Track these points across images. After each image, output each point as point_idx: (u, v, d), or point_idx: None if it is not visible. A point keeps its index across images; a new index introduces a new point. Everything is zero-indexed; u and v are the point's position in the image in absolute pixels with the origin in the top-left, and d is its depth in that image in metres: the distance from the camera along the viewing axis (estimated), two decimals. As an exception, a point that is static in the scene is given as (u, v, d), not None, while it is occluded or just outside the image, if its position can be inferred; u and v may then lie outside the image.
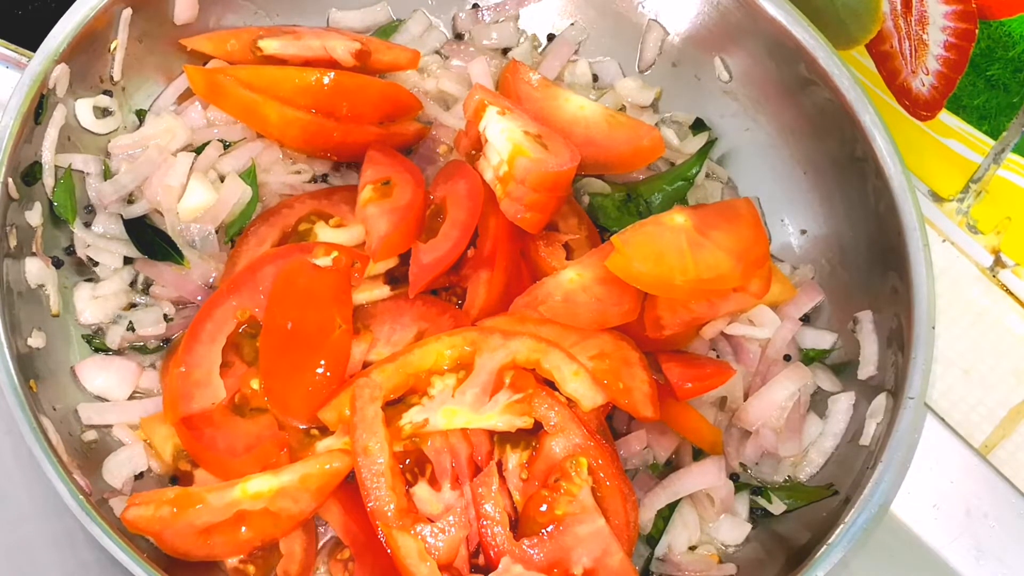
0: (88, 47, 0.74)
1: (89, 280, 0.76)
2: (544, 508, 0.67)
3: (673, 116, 0.85)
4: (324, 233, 0.75)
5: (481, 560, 0.68)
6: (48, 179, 0.74)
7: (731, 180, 0.84)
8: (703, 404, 0.75)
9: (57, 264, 0.74)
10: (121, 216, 0.76)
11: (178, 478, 0.71)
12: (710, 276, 0.71)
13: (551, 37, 0.86)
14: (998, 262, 0.82)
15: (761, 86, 0.81)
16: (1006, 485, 0.82)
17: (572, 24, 0.85)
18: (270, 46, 0.78)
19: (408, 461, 0.68)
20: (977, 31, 0.72)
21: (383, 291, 0.74)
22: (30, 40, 0.76)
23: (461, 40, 0.85)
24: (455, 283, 0.74)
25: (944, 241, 0.83)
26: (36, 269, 0.73)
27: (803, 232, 0.82)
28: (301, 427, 0.70)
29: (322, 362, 0.69)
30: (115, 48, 0.76)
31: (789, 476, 0.75)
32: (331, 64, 0.78)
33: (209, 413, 0.70)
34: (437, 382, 0.69)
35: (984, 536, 0.81)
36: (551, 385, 0.70)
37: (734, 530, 0.74)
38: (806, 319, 0.79)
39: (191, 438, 0.69)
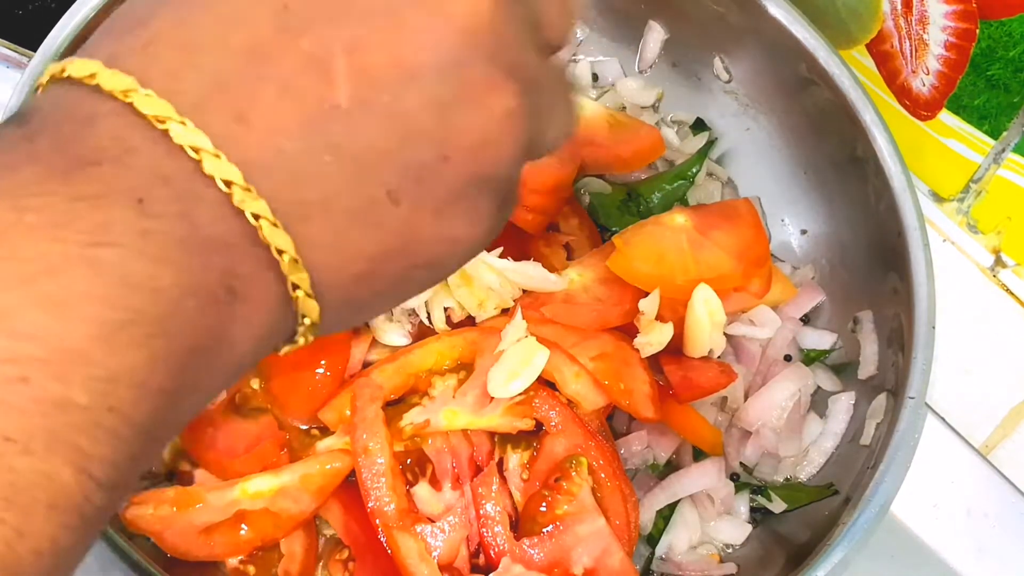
0: (88, 47, 0.74)
1: (89, 280, 0.76)
2: (544, 507, 0.67)
3: (673, 116, 0.85)
4: (324, 233, 0.75)
5: (481, 560, 0.68)
6: (48, 179, 0.74)
7: (731, 180, 0.84)
8: (703, 404, 0.75)
9: (57, 264, 0.74)
10: (121, 216, 0.76)
11: (178, 477, 0.71)
12: (711, 276, 0.71)
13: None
14: (998, 262, 0.82)
15: (761, 86, 0.81)
16: (1006, 485, 0.82)
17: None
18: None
19: (409, 461, 0.68)
20: (977, 31, 0.72)
21: (383, 291, 0.74)
22: (30, 40, 0.76)
23: (461, 40, 0.85)
24: (455, 283, 0.74)
25: (944, 241, 0.83)
26: (36, 269, 0.72)
27: (803, 232, 0.82)
28: (301, 427, 0.70)
29: (322, 362, 0.69)
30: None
31: (789, 476, 0.75)
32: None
33: (209, 413, 0.70)
34: (438, 383, 0.69)
35: (984, 536, 0.81)
36: (551, 386, 0.70)
37: (735, 530, 0.74)
38: (806, 319, 0.79)
39: (191, 438, 0.69)
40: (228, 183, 0.33)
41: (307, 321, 0.36)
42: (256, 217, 0.33)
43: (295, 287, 0.34)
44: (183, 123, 0.33)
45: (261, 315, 0.34)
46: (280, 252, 0.34)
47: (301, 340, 0.36)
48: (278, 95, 0.33)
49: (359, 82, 0.33)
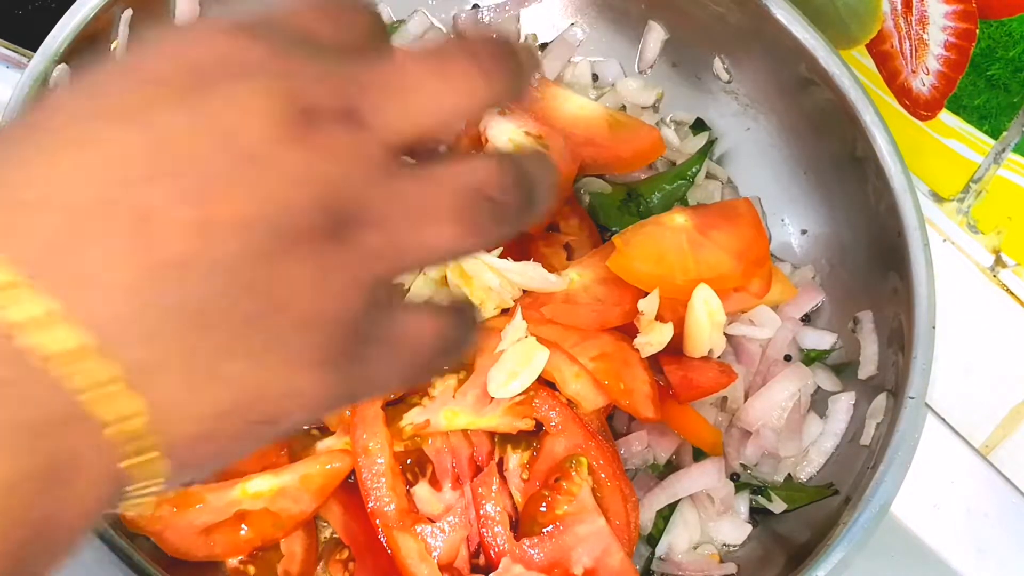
0: (88, 47, 0.74)
1: (89, 280, 0.76)
2: (544, 508, 0.67)
3: (673, 116, 0.84)
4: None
5: (482, 560, 0.68)
6: (48, 179, 0.74)
7: (731, 180, 0.84)
8: (703, 404, 0.75)
9: (57, 264, 0.74)
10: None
11: (178, 478, 0.71)
12: (711, 276, 0.71)
13: (549, 40, 0.86)
14: (998, 262, 0.82)
15: (761, 86, 0.81)
16: (1006, 485, 0.82)
17: (572, 24, 0.85)
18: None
19: (409, 461, 0.68)
20: (977, 31, 0.72)
21: (383, 291, 0.74)
22: (30, 40, 0.76)
23: (461, 40, 0.85)
24: (455, 283, 0.74)
25: (944, 241, 0.83)
26: (36, 269, 0.72)
27: (803, 232, 0.82)
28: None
29: (322, 362, 0.69)
30: (115, 48, 0.76)
31: (789, 476, 0.75)
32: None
33: (210, 413, 0.70)
34: (438, 383, 0.69)
35: (984, 536, 0.81)
36: (551, 386, 0.70)
37: (735, 530, 0.74)
38: (806, 319, 0.79)
39: (191, 438, 0.69)
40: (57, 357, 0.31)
41: (152, 481, 0.34)
42: (89, 389, 0.32)
43: (137, 453, 0.33)
44: (6, 298, 0.31)
45: (100, 488, 0.33)
46: (116, 421, 0.32)
47: (145, 501, 0.35)
48: (109, 258, 0.32)
49: (187, 236, 0.32)
